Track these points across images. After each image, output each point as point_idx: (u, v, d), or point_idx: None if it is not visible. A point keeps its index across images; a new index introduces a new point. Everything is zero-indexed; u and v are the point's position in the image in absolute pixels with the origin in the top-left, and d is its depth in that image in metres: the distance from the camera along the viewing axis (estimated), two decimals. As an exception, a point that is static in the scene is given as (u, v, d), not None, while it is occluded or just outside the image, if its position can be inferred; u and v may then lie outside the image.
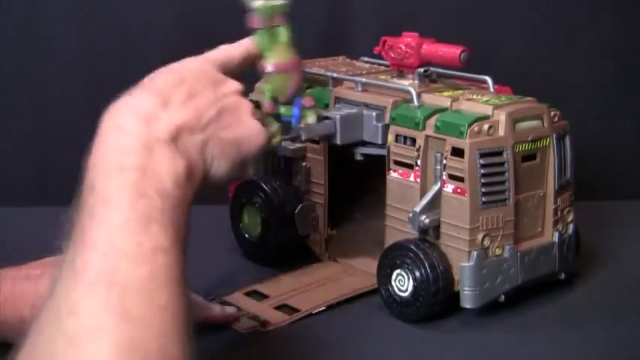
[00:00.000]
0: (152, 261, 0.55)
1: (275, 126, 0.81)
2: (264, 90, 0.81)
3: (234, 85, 0.72)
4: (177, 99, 0.66)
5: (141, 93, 0.65)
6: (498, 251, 0.87)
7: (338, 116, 0.91)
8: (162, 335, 0.53)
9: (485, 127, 0.86)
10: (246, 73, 0.94)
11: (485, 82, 0.95)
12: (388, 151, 0.91)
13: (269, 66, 0.80)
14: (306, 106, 0.84)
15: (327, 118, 0.91)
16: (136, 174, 0.59)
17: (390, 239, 0.91)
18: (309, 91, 0.99)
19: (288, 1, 0.81)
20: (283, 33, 0.81)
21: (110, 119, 0.62)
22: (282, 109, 0.83)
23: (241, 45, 0.78)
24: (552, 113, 0.91)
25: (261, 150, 0.73)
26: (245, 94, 0.73)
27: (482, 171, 0.85)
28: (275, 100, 0.81)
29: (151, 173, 0.59)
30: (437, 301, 0.86)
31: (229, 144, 0.69)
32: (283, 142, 0.88)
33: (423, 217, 0.86)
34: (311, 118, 0.85)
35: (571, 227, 0.94)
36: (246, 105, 0.72)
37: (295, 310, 0.89)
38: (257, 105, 0.81)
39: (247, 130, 0.71)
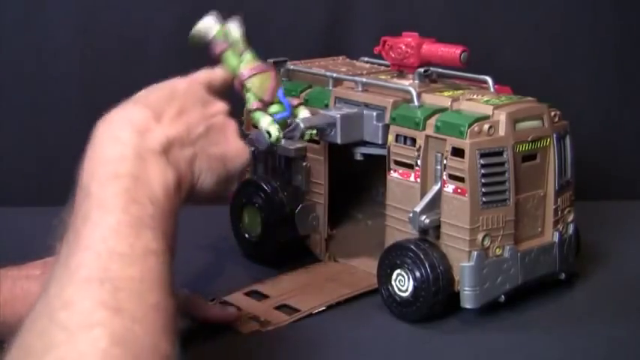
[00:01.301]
0: (143, 262, 0.58)
1: (267, 119, 0.86)
2: (247, 98, 0.86)
3: (221, 106, 0.75)
4: (169, 114, 0.69)
5: (135, 106, 0.68)
6: (499, 251, 0.87)
7: (338, 116, 0.91)
8: (154, 332, 0.55)
9: (486, 127, 0.86)
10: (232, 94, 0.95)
11: (485, 82, 0.95)
12: (388, 151, 0.91)
13: (244, 72, 0.85)
14: (295, 104, 0.90)
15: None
16: (129, 181, 0.61)
17: (390, 239, 0.91)
18: (309, 91, 0.99)
19: (240, 20, 0.87)
20: (247, 50, 0.86)
21: (105, 129, 0.65)
22: (272, 108, 0.87)
23: (219, 69, 0.84)
24: (552, 113, 0.91)
25: (245, 167, 0.76)
26: (231, 114, 0.76)
27: (482, 171, 0.85)
28: (260, 101, 0.86)
29: (143, 181, 0.62)
30: (437, 301, 0.86)
31: (216, 160, 0.72)
32: (284, 142, 0.88)
33: (424, 217, 0.86)
34: (303, 112, 0.90)
35: (571, 227, 0.94)
36: (232, 125, 0.75)
37: (295, 310, 0.89)
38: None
39: (233, 147, 0.74)
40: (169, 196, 0.63)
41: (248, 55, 0.85)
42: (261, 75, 0.85)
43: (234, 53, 0.85)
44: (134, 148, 0.63)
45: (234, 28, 0.86)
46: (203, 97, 0.74)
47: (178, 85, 0.74)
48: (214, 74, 0.81)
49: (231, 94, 0.83)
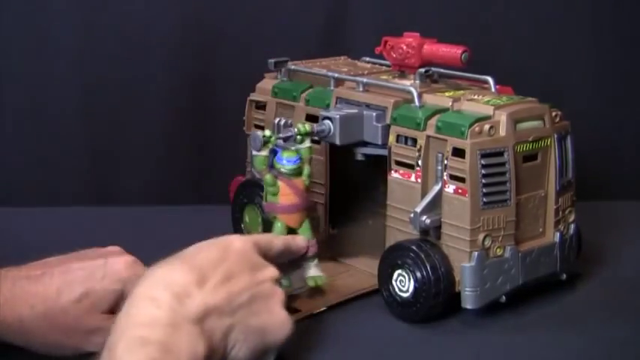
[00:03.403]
0: None
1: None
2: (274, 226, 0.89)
3: (271, 272, 0.73)
4: (213, 280, 0.67)
5: (180, 267, 0.67)
6: (499, 252, 0.87)
7: (337, 116, 0.91)
8: None
9: (487, 127, 0.85)
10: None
11: (486, 82, 0.95)
12: (389, 152, 0.91)
13: (275, 206, 0.89)
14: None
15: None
16: (157, 350, 0.60)
17: (391, 239, 0.91)
18: (310, 91, 0.99)
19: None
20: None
21: (146, 287, 0.64)
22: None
23: (284, 238, 0.83)
24: (554, 113, 0.91)
25: (285, 341, 0.73)
26: (278, 281, 0.75)
27: (483, 171, 0.85)
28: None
29: (171, 352, 0.60)
30: (438, 301, 0.86)
31: (254, 332, 0.70)
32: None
33: (424, 217, 0.86)
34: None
35: (572, 227, 0.93)
36: (278, 294, 0.73)
37: (296, 311, 0.89)
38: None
39: (276, 320, 0.72)
40: None
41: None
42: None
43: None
44: (169, 314, 0.62)
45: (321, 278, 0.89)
46: (254, 262, 0.72)
47: (232, 245, 0.72)
48: (273, 243, 0.79)
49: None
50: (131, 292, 0.64)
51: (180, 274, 0.66)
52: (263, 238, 0.79)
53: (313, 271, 0.89)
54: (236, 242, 0.73)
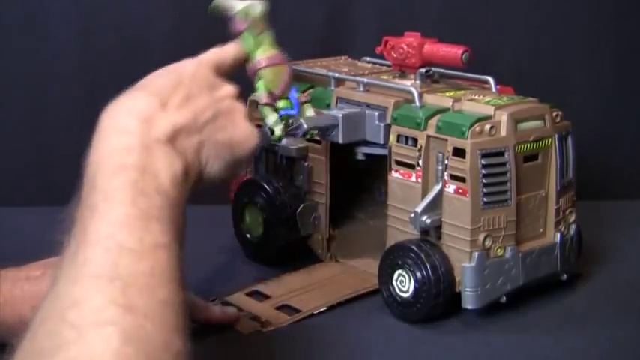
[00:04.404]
0: (153, 257, 0.56)
1: (274, 116, 0.83)
2: (258, 86, 0.83)
3: (229, 89, 0.74)
4: (175, 101, 0.68)
5: (140, 94, 0.67)
6: (500, 252, 0.87)
7: (340, 115, 0.91)
8: (165, 329, 0.54)
9: (487, 127, 0.85)
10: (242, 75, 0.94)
11: (487, 82, 0.95)
12: (390, 152, 0.91)
13: (260, 60, 0.82)
14: (302, 100, 0.87)
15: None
16: (136, 173, 0.60)
17: (391, 239, 0.91)
18: (310, 90, 0.99)
19: (265, 1, 0.84)
20: (266, 32, 0.83)
21: (110, 119, 0.64)
22: (280, 103, 0.84)
23: (231, 47, 0.80)
24: (554, 113, 0.91)
25: (254, 152, 0.74)
26: (239, 97, 0.75)
27: (483, 171, 0.85)
28: (271, 94, 0.84)
29: (150, 173, 0.61)
30: (438, 301, 0.86)
31: (224, 146, 0.70)
32: (285, 142, 0.88)
33: (425, 217, 0.86)
34: (309, 112, 0.88)
35: (573, 228, 0.93)
36: (240, 108, 0.73)
37: (296, 311, 0.89)
38: (256, 104, 0.82)
39: (241, 132, 0.73)
40: (177, 187, 0.62)
41: (266, 40, 0.83)
42: (276, 67, 0.83)
43: (252, 34, 0.83)
44: (140, 139, 0.62)
45: (257, 7, 0.84)
46: (210, 81, 0.73)
47: (185, 68, 0.72)
48: (224, 54, 0.78)
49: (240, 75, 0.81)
50: (97, 127, 0.63)
51: (142, 101, 0.66)
52: (211, 54, 0.77)
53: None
54: (188, 65, 0.73)
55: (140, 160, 0.61)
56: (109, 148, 0.61)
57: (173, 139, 0.65)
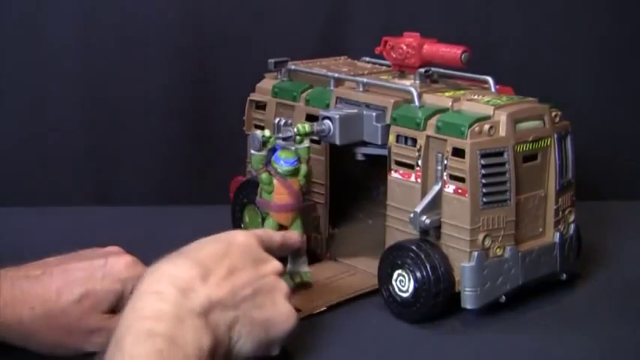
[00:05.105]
0: None
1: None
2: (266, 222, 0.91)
3: (275, 265, 0.74)
4: (217, 273, 0.68)
5: (183, 262, 0.68)
6: (499, 252, 0.87)
7: (337, 116, 0.91)
8: None
9: (486, 127, 0.85)
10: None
11: (486, 82, 0.95)
12: (389, 152, 0.91)
13: (271, 204, 0.90)
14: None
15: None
16: (163, 342, 0.61)
17: (390, 239, 0.91)
18: (310, 91, 0.99)
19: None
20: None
21: (150, 282, 0.65)
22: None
23: (281, 233, 0.84)
24: (553, 113, 0.91)
25: (290, 333, 0.74)
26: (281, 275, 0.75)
27: (483, 171, 0.85)
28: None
29: (177, 344, 0.62)
30: (438, 301, 0.86)
31: (259, 325, 0.71)
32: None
33: (424, 217, 0.86)
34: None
35: (572, 227, 0.93)
36: (282, 287, 0.74)
37: (296, 311, 0.89)
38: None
39: (279, 312, 0.72)
40: None
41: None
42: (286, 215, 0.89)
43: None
44: (174, 308, 0.63)
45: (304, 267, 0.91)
46: (257, 256, 0.73)
47: (235, 239, 0.73)
48: (274, 237, 0.80)
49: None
50: (136, 288, 0.65)
51: (184, 269, 0.67)
52: (264, 232, 0.80)
53: (302, 267, 0.91)
54: (239, 237, 0.74)
55: (170, 329, 0.62)
56: (142, 312, 0.63)
57: (208, 312, 0.65)
